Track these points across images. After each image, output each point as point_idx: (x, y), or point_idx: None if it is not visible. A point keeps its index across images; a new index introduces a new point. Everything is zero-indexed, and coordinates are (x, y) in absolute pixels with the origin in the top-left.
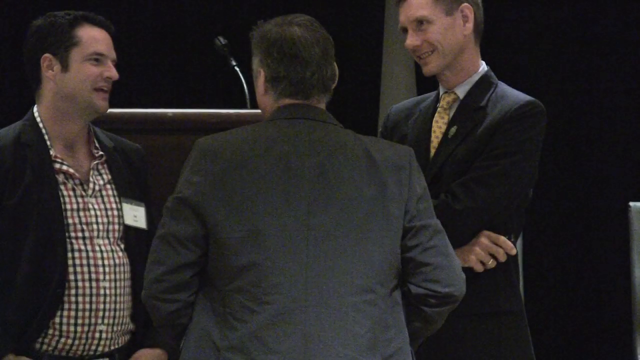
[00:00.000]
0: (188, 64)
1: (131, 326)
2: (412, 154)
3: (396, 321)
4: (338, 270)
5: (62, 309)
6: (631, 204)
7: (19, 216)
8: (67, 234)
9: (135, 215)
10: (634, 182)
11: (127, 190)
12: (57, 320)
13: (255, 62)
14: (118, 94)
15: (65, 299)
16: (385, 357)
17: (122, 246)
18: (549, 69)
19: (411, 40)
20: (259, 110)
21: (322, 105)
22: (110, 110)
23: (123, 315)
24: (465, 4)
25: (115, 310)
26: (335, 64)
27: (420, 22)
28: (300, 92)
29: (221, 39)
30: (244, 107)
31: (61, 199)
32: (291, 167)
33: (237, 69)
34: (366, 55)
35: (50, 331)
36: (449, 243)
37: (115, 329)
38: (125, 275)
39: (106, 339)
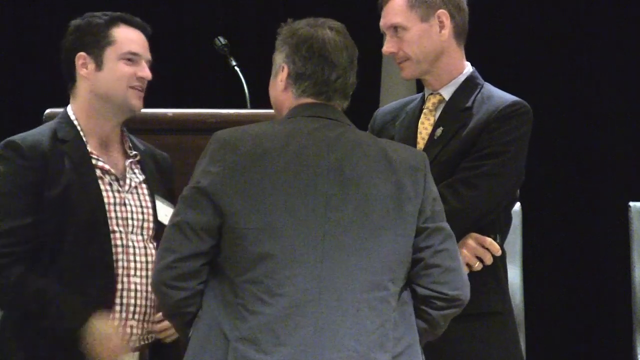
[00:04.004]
0: (188, 64)
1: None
2: (426, 157)
3: (405, 319)
4: (352, 265)
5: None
6: (631, 204)
7: (61, 209)
8: (108, 228)
9: (167, 215)
10: (634, 182)
11: (159, 190)
12: None
13: (280, 57)
14: None
15: None
16: (394, 355)
17: (155, 244)
18: (550, 67)
19: (387, 47)
20: (259, 111)
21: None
22: None
23: (152, 312)
24: (442, 10)
25: (145, 306)
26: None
27: (396, 29)
28: (322, 93)
29: (221, 39)
30: (244, 107)
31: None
32: (309, 161)
33: (237, 69)
34: (366, 55)
35: None
36: (457, 248)
37: (145, 325)
38: None
39: (136, 334)
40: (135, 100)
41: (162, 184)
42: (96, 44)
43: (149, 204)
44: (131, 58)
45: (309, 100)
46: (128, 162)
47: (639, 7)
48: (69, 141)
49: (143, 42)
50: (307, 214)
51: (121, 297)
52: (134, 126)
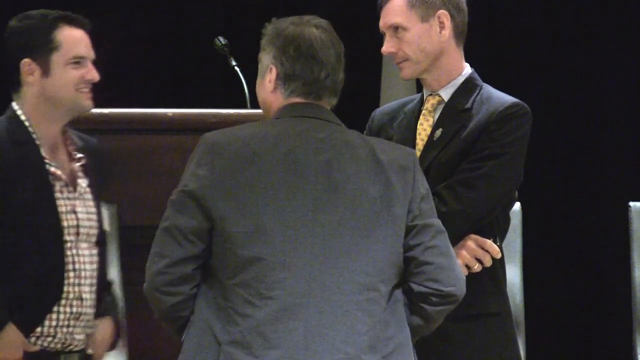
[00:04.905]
0: (188, 64)
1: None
2: (415, 155)
3: (396, 318)
4: (342, 267)
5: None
6: (631, 204)
7: (19, 217)
8: (62, 238)
9: (105, 218)
10: (634, 182)
11: (101, 193)
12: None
13: (267, 58)
14: (118, 94)
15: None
16: (384, 355)
17: (97, 250)
18: (550, 67)
19: (386, 47)
20: (259, 111)
21: (329, 108)
22: (110, 110)
23: (93, 319)
24: (442, 10)
25: (90, 314)
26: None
27: (396, 29)
28: (312, 93)
29: (221, 39)
30: (244, 107)
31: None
32: (298, 163)
33: (237, 69)
34: (366, 55)
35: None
36: (450, 244)
37: (88, 331)
38: (97, 280)
39: (80, 340)
40: (85, 101)
41: (99, 181)
42: (40, 49)
43: (94, 210)
44: (78, 61)
45: (298, 99)
46: (76, 166)
47: (639, 7)
48: (24, 144)
49: (87, 42)
50: (296, 217)
51: (71, 305)
52: (134, 126)
